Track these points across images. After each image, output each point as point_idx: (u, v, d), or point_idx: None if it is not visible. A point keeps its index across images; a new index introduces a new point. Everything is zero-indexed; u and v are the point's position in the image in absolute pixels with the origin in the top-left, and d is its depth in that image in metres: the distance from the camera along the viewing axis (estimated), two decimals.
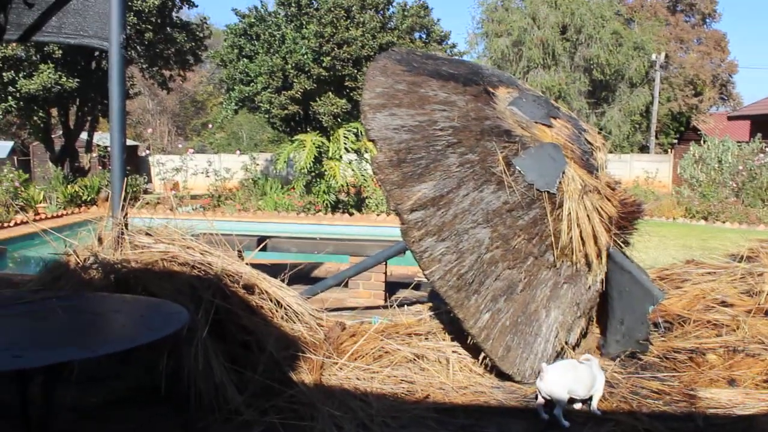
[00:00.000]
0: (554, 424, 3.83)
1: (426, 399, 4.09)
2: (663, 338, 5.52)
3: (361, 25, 17.73)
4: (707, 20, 40.22)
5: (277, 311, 4.45)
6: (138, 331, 3.42)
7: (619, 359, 4.92)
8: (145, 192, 18.54)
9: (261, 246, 6.70)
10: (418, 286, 6.75)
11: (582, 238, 4.70)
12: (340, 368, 4.31)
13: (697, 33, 39.09)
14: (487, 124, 4.54)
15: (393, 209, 4.29)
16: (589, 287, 4.97)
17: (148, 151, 31.23)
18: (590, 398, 4.09)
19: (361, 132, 13.88)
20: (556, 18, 27.88)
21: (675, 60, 35.32)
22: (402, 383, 4.25)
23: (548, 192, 4.54)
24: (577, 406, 4.10)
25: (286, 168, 15.56)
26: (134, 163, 25.86)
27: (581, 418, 3.98)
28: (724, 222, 15.99)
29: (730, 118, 28.77)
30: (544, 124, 4.85)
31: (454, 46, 19.80)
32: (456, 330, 4.80)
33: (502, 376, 4.44)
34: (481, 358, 4.44)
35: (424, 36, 18.83)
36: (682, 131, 35.57)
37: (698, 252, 10.18)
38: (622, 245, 5.28)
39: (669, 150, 30.51)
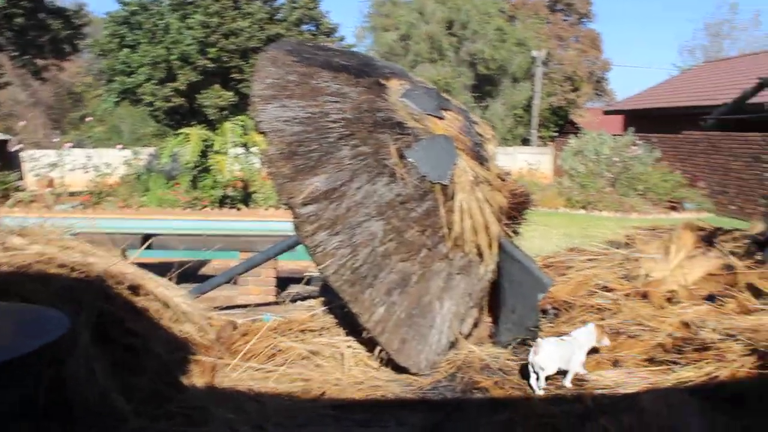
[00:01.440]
0: (451, 416, 3.86)
1: (322, 396, 4.01)
2: (551, 324, 5.67)
3: (248, 16, 17.27)
4: (583, 20, 42.06)
5: (164, 312, 4.24)
6: (14, 341, 3.14)
7: (511, 347, 5.02)
8: (17, 189, 17.42)
9: (146, 244, 6.40)
10: (309, 281, 6.66)
11: (474, 229, 4.75)
12: (233, 369, 4.17)
13: (574, 31, 40.79)
14: (379, 116, 4.51)
15: (285, 203, 4.19)
16: (481, 277, 5.04)
17: (20, 146, 29.38)
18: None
19: (248, 125, 13.57)
20: (443, 13, 28.30)
21: (555, 57, 36.71)
22: (297, 381, 4.15)
23: (441, 184, 4.56)
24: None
25: (170, 163, 15.00)
26: (4, 159, 24.21)
27: (477, 407, 4.03)
28: (601, 211, 16.77)
29: (605, 113, 30.17)
30: (435, 116, 4.86)
31: (342, 39, 19.69)
32: (350, 324, 4.75)
33: (398, 369, 4.42)
34: (376, 352, 4.40)
35: (313, 28, 18.59)
36: (561, 125, 37.03)
37: (579, 240, 10.61)
38: (512, 235, 5.39)
39: (549, 143, 31.69)
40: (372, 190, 4.31)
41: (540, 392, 4.16)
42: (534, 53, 29.13)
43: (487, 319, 5.55)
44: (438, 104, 5.01)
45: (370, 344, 4.51)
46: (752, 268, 7.23)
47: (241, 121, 13.49)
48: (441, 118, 4.91)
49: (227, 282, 5.69)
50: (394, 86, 4.90)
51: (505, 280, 5.15)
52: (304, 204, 4.12)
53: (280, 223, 10.03)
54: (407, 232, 4.42)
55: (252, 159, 13.65)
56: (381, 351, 4.36)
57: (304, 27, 18.70)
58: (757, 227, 11.01)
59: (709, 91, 20.49)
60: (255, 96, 4.32)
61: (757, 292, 6.32)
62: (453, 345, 4.79)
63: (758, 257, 8.18)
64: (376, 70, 4.98)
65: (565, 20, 40.72)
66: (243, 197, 13.65)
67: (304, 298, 5.85)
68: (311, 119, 4.31)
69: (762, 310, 5.82)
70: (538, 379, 4.24)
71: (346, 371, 4.35)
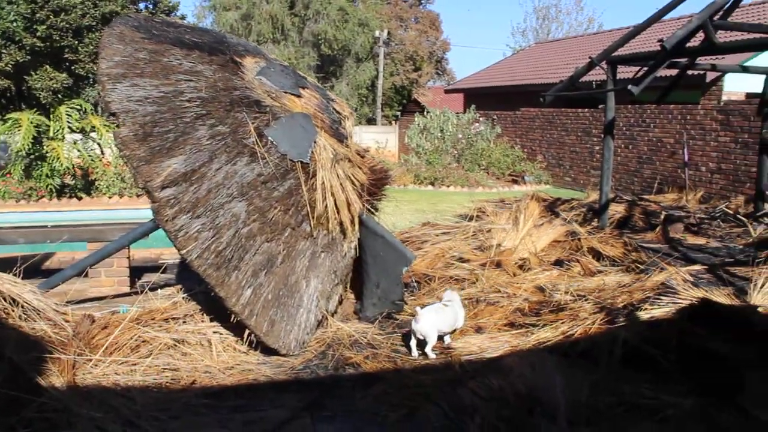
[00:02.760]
0: (326, 393, 3.86)
1: (193, 385, 3.87)
2: (413, 297, 5.82)
3: None
4: (422, 1, 43.13)
5: (13, 310, 3.91)
6: None
7: (378, 321, 5.09)
8: None
9: None
10: (164, 269, 6.39)
11: (336, 207, 4.76)
12: (95, 365, 3.91)
13: (414, 12, 41.76)
14: (236, 95, 4.38)
15: (142, 187, 3.97)
16: (345, 254, 5.06)
17: None
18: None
19: (86, 109, 12.74)
20: None
21: (396, 37, 37.45)
22: (165, 372, 3.98)
23: (301, 162, 4.51)
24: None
25: None
26: None
27: (351, 382, 4.05)
28: (448, 186, 17.35)
29: (446, 91, 31.18)
30: (293, 94, 4.80)
31: (183, 18, 18.92)
32: (214, 310, 4.62)
33: (268, 351, 4.36)
34: (245, 335, 4.31)
35: (150, 6, 17.69)
36: (404, 104, 37.91)
37: (431, 215, 10.96)
38: (373, 211, 5.45)
39: (393, 121, 32.35)
40: (233, 170, 4.19)
41: (433, 355, 4.44)
42: (376, 33, 29.52)
43: (350, 296, 5.60)
44: (295, 82, 4.95)
45: (237, 329, 4.41)
46: (592, 233, 7.80)
47: (78, 104, 12.63)
48: (298, 96, 4.85)
49: (78, 275, 5.33)
50: (249, 64, 4.77)
51: (368, 256, 5.20)
52: (163, 187, 3.93)
53: (127, 211, 9.58)
54: (270, 212, 4.34)
55: (92, 145, 12.84)
56: (250, 334, 4.27)
57: (141, 5, 17.79)
58: (591, 196, 11.88)
59: (542, 70, 21.71)
60: (102, 75, 4.04)
61: (598, 255, 6.82)
62: (320, 323, 4.79)
63: (595, 223, 8.84)
64: (229, 48, 4.82)
65: (405, 1, 41.54)
66: (84, 185, 12.84)
67: (161, 287, 5.61)
68: (165, 98, 4.11)
69: (603, 271, 6.30)
70: (419, 346, 4.48)
71: (215, 357, 4.22)
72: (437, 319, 4.50)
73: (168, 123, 4.04)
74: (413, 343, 4.49)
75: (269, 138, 4.36)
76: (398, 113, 35.77)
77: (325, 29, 28.09)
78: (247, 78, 4.59)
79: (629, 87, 6.99)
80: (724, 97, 13.48)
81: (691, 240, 8.40)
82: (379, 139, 26.08)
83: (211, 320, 4.64)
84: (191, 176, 4.03)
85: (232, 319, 4.23)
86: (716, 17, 7.04)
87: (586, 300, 4.93)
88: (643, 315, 4.29)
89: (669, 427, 3.34)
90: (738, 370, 3.66)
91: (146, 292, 4.97)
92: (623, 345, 4.04)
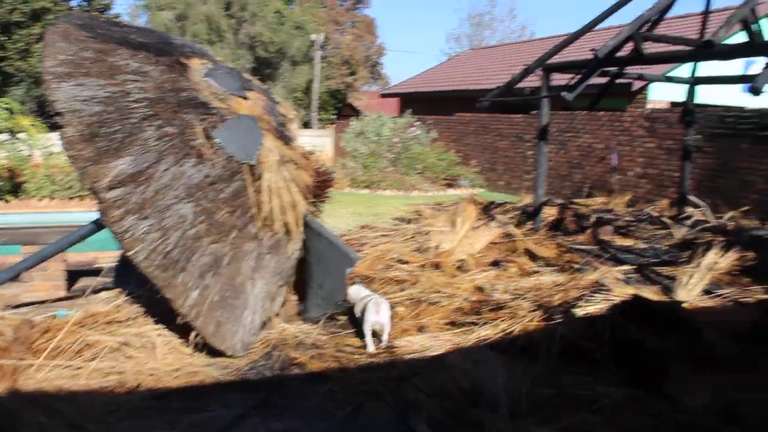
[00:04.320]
0: (273, 393, 3.91)
1: (139, 388, 3.85)
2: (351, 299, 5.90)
3: None
4: (359, 6, 43.31)
5: None
6: None
7: (322, 322, 5.15)
8: None
9: None
10: (100, 272, 6.28)
11: (282, 208, 4.80)
12: (38, 369, 3.85)
13: (350, 17, 41.91)
14: (183, 96, 4.38)
15: (89, 188, 3.92)
16: (290, 256, 5.11)
17: None
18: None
19: (13, 109, 12.34)
20: None
21: (332, 41, 37.49)
22: (110, 375, 3.94)
23: (248, 164, 4.54)
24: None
25: None
26: None
27: (298, 381, 4.11)
28: (384, 189, 17.48)
29: (382, 96, 31.38)
30: (239, 96, 4.82)
31: (117, 17, 18.51)
32: (158, 312, 4.60)
33: (213, 353, 4.36)
34: (192, 337, 4.30)
35: (84, 4, 17.23)
36: (340, 107, 37.97)
37: (369, 217, 11.08)
38: (318, 213, 5.51)
39: (329, 125, 32.36)
40: (180, 171, 4.19)
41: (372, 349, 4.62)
42: (312, 37, 29.49)
43: (293, 297, 5.64)
44: (241, 84, 4.97)
45: (182, 331, 4.40)
46: (527, 235, 8.05)
47: (6, 103, 12.22)
48: (245, 98, 4.88)
49: (12, 279, 5.21)
50: (196, 65, 4.77)
51: (312, 257, 5.26)
52: (110, 188, 3.90)
53: (60, 215, 9.32)
54: (217, 213, 4.36)
55: (20, 146, 12.44)
56: (196, 336, 4.27)
57: (74, 2, 17.32)
58: (525, 200, 12.20)
59: (477, 76, 22.14)
60: (48, 73, 3.97)
61: (533, 256, 7.06)
62: (265, 324, 4.82)
63: (530, 226, 9.11)
64: (176, 49, 4.81)
65: (341, 5, 41.65)
66: (12, 188, 12.42)
67: (100, 290, 5.52)
68: (112, 99, 4.08)
69: (539, 271, 6.52)
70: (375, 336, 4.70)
71: (160, 360, 4.20)
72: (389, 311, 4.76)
73: (115, 123, 4.02)
74: (370, 335, 4.66)
75: (216, 140, 4.38)
76: (334, 117, 35.79)
77: (261, 32, 27.88)
78: (195, 80, 4.60)
79: (563, 93, 7.25)
80: (649, 105, 14.07)
81: (620, 241, 8.76)
82: (315, 143, 25.97)
83: (155, 323, 4.61)
84: (139, 177, 4.01)
85: (178, 321, 4.23)
86: (643, 29, 7.39)
87: (524, 299, 5.11)
88: (579, 312, 4.49)
89: (603, 415, 3.53)
90: (665, 360, 3.89)
91: (87, 295, 4.90)
92: (560, 340, 4.24)
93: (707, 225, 9.38)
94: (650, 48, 7.27)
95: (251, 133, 4.63)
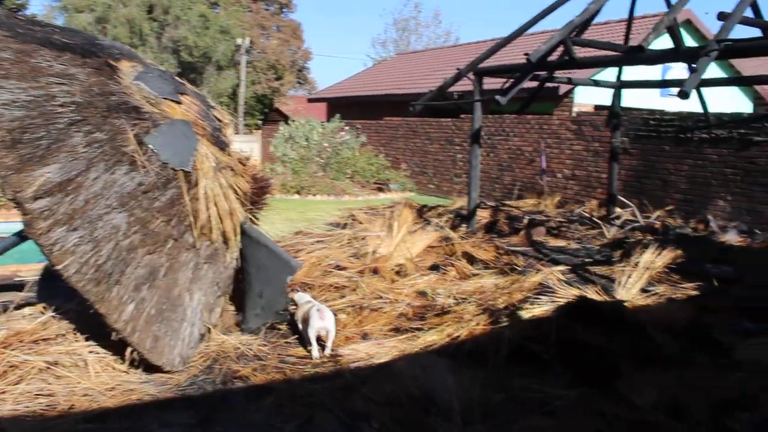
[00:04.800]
0: (216, 408, 3.75)
1: (72, 410, 3.62)
2: (295, 306, 5.76)
3: None
4: (284, 10, 42.95)
5: None
6: None
7: (263, 332, 5.00)
8: None
9: None
10: (23, 286, 5.94)
11: (219, 216, 4.64)
12: None
13: (276, 21, 41.50)
14: (113, 100, 4.16)
15: (11, 198, 3.67)
16: (228, 265, 4.95)
17: None
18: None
19: None
20: None
21: (258, 45, 37.06)
22: (39, 398, 3.68)
23: (183, 170, 4.37)
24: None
25: None
26: None
27: (241, 395, 3.95)
28: (315, 195, 17.29)
29: (309, 100, 31.09)
30: (173, 101, 4.62)
31: (34, 17, 17.73)
32: (89, 328, 4.36)
33: (151, 368, 4.16)
34: (127, 353, 4.09)
35: None
36: (266, 112, 37.58)
37: (302, 223, 10.92)
38: (256, 220, 5.36)
39: (256, 130, 31.94)
40: (111, 179, 3.98)
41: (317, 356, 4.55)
42: (238, 41, 29.08)
43: (230, 308, 5.47)
44: (174, 88, 4.77)
45: (115, 347, 4.18)
46: (465, 238, 8.07)
47: None
48: (178, 103, 4.69)
49: None
50: (126, 68, 4.55)
51: (251, 266, 5.10)
52: (36, 198, 3.65)
53: None
54: (152, 222, 4.16)
55: None
56: (131, 352, 4.06)
57: None
58: (457, 203, 12.29)
59: (404, 80, 22.22)
60: None
61: (471, 259, 7.07)
62: (204, 337, 4.64)
63: (464, 228, 9.15)
64: (103, 50, 4.57)
65: (266, 9, 41.22)
66: None
67: (24, 305, 5.21)
68: (35, 103, 3.82)
69: (478, 274, 6.53)
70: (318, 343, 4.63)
71: (93, 379, 3.96)
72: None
73: (39, 129, 3.77)
74: (315, 342, 4.57)
75: (150, 146, 4.18)
76: (260, 122, 35.37)
77: (186, 35, 27.30)
78: (125, 83, 4.38)
79: (497, 97, 7.30)
80: (575, 109, 14.40)
81: (553, 242, 8.91)
82: (242, 148, 25.50)
83: (87, 339, 4.36)
84: (67, 186, 3.78)
85: (113, 337, 4.00)
86: (572, 35, 7.52)
87: (468, 302, 5.09)
88: (525, 314, 4.50)
89: (555, 417, 3.52)
90: (612, 359, 3.92)
91: (10, 312, 4.60)
92: (508, 343, 4.22)
93: (636, 224, 9.64)
94: (578, 53, 7.40)
95: (186, 138, 4.45)
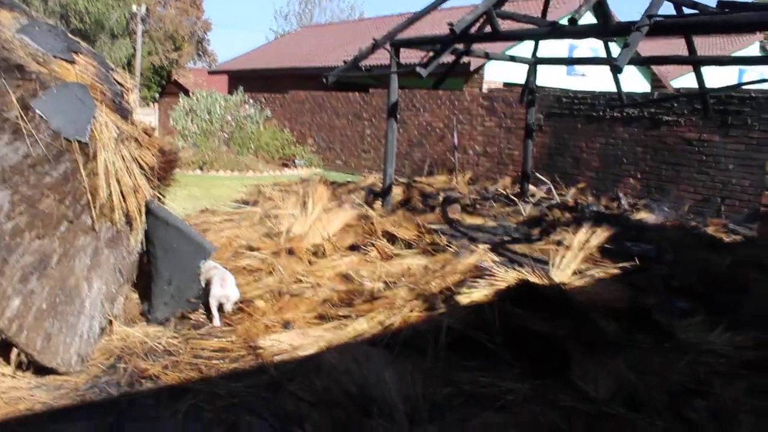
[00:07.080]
0: (124, 415, 3.25)
1: None
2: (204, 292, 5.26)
3: None
4: None
5: None
6: None
7: (173, 323, 4.48)
8: None
9: None
10: None
11: (122, 194, 4.09)
12: None
13: None
14: None
15: None
16: (132, 249, 4.41)
17: None
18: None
19: None
20: None
21: (155, 14, 35.24)
22: None
23: (79, 141, 3.78)
24: None
25: None
26: None
27: (152, 398, 3.46)
28: (218, 170, 16.55)
29: (210, 73, 29.94)
30: (65, 60, 4.00)
31: None
32: None
33: (42, 370, 3.58)
34: (13, 355, 3.51)
35: None
36: (164, 85, 35.97)
37: (206, 200, 10.27)
38: (163, 198, 4.81)
39: (153, 103, 30.49)
40: None
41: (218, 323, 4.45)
42: (133, 9, 27.52)
43: (134, 296, 4.91)
44: (66, 45, 4.14)
45: None
46: (384, 216, 7.72)
47: None
48: (72, 63, 4.06)
49: None
50: (6, 20, 3.88)
51: (158, 249, 4.57)
52: None
53: None
54: (42, 202, 3.57)
55: None
56: (19, 354, 3.48)
57: None
58: (369, 179, 11.94)
59: (310, 53, 21.57)
60: None
61: (392, 239, 6.72)
62: (104, 330, 4.09)
63: (379, 205, 8.81)
64: None
65: None
66: None
67: None
68: None
69: (400, 254, 6.20)
70: (221, 310, 4.52)
71: None
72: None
73: None
74: (216, 309, 4.47)
75: (37, 111, 3.56)
76: (157, 95, 33.83)
77: (75, 0, 25.56)
78: (4, 36, 3.71)
79: (418, 69, 6.97)
80: (485, 86, 14.27)
81: (469, 219, 8.71)
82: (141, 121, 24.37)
83: None
84: None
85: None
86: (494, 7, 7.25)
87: (399, 286, 4.74)
88: (463, 299, 4.19)
89: (510, 412, 3.23)
90: (562, 347, 3.67)
91: None
92: (448, 332, 3.89)
93: (552, 202, 9.59)
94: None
95: (81, 104, 3.84)
